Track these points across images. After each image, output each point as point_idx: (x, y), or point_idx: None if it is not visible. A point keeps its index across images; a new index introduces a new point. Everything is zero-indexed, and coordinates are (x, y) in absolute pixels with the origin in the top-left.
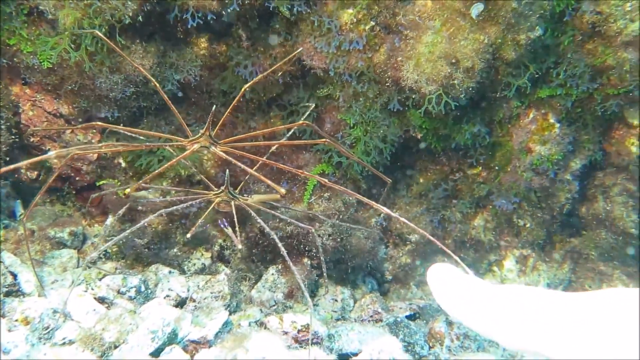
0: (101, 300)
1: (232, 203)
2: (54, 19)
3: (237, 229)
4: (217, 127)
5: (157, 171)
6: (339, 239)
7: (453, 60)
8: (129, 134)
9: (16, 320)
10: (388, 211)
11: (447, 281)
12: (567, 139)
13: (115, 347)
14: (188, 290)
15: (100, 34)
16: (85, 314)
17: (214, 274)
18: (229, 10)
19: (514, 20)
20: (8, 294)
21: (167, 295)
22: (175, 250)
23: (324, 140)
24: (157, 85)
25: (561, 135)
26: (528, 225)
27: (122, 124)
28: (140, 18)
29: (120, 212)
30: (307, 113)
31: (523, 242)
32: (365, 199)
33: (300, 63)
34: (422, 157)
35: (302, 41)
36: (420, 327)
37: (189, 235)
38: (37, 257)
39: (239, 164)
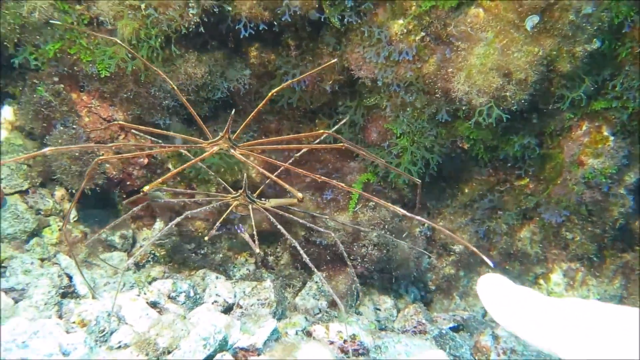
0: (153, 304)
1: (250, 207)
2: (112, 29)
3: (254, 233)
4: (239, 131)
5: (174, 171)
6: (384, 250)
7: (505, 72)
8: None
9: (73, 322)
10: (421, 219)
11: (499, 291)
12: (621, 152)
13: (169, 352)
14: (235, 297)
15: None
16: (138, 318)
17: (259, 281)
18: (281, 20)
19: (570, 33)
20: (64, 296)
21: (215, 301)
22: (220, 255)
23: (342, 145)
24: (175, 87)
25: (615, 149)
26: (577, 238)
27: (172, 131)
28: (194, 29)
29: (175, 220)
30: (340, 124)
31: (571, 256)
32: (399, 209)
33: (348, 72)
34: (467, 167)
35: (350, 51)
36: (465, 339)
37: (206, 238)
38: (89, 259)
39: (258, 167)
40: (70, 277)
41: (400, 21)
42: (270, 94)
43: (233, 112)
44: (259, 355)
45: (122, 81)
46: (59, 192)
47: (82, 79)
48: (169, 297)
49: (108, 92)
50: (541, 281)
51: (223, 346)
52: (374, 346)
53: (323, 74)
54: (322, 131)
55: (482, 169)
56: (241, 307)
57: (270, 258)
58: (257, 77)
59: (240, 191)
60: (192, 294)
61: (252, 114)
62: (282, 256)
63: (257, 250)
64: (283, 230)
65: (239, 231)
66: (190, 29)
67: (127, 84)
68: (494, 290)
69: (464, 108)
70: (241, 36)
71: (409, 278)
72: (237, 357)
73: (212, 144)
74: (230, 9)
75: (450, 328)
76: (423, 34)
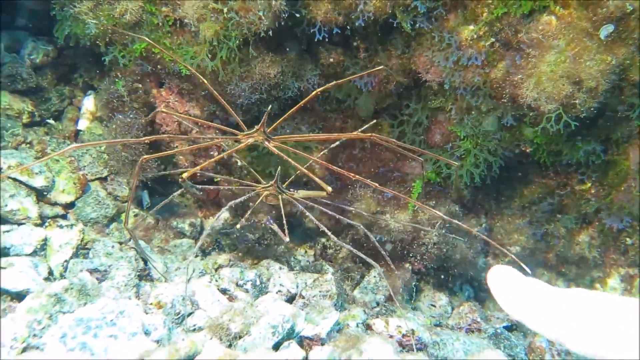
0: (223, 291)
1: (280, 197)
2: (195, 30)
3: (284, 222)
4: (274, 126)
5: (211, 160)
6: (444, 249)
7: (576, 80)
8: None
9: (151, 304)
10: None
11: (508, 282)
12: None
13: (240, 337)
14: (297, 287)
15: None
16: (210, 304)
17: (320, 272)
18: (355, 25)
19: None
20: (140, 278)
21: (279, 291)
22: (282, 247)
23: (370, 134)
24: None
25: None
26: (638, 244)
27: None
28: (271, 33)
29: (221, 211)
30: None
31: (630, 261)
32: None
33: (414, 75)
34: (528, 169)
35: (418, 54)
36: (518, 339)
37: (238, 226)
38: (161, 245)
39: (290, 160)
40: (145, 261)
41: (471, 27)
42: (315, 92)
43: (270, 107)
44: (322, 344)
45: (200, 80)
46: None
47: (164, 76)
48: (237, 284)
49: (187, 89)
50: (597, 285)
51: (290, 334)
52: (432, 342)
53: (389, 75)
54: (355, 133)
55: (542, 171)
56: (303, 298)
57: (330, 251)
58: (325, 77)
59: (272, 182)
60: (257, 282)
61: (292, 110)
62: (342, 249)
63: (287, 239)
64: (312, 218)
65: (267, 223)
66: (268, 32)
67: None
68: (503, 281)
69: (531, 114)
70: (315, 39)
71: (465, 276)
72: (303, 346)
73: (248, 135)
74: (305, 12)
75: (504, 327)
76: (493, 39)
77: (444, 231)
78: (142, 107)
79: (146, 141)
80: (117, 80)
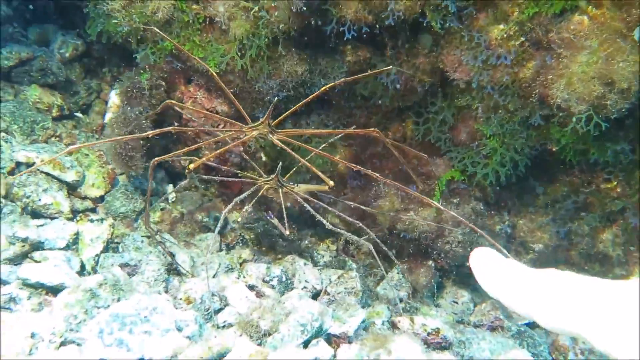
0: (250, 287)
1: (280, 190)
2: (226, 28)
3: (285, 215)
4: (279, 120)
5: (215, 152)
6: (468, 248)
7: (608, 81)
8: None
9: (180, 299)
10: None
11: (488, 263)
12: None
13: (269, 334)
14: (322, 283)
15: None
16: (239, 300)
17: (343, 269)
18: (385, 24)
19: None
20: (168, 272)
21: (304, 287)
22: (306, 242)
23: (373, 130)
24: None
25: None
26: None
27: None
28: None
29: (227, 208)
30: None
31: None
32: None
33: (441, 73)
34: (552, 167)
35: (447, 53)
36: (542, 337)
37: (239, 219)
38: (187, 239)
39: (293, 153)
40: (173, 256)
41: (501, 26)
42: (323, 89)
43: (275, 99)
44: (350, 342)
45: (228, 77)
46: (160, 174)
47: (193, 73)
48: (263, 280)
49: (215, 86)
50: None
51: (318, 332)
52: (458, 341)
53: (416, 73)
54: (372, 129)
55: (567, 169)
56: (328, 294)
57: (352, 246)
58: (351, 74)
59: (273, 175)
60: (283, 278)
61: (297, 105)
62: (363, 245)
63: (287, 233)
64: (312, 210)
65: (268, 217)
66: (298, 31)
67: (234, 80)
68: (482, 261)
69: (560, 114)
70: (345, 38)
71: None
72: (330, 343)
73: (252, 128)
74: (335, 12)
75: (526, 324)
76: (523, 39)
77: (468, 230)
78: (158, 104)
79: (149, 135)
80: (142, 72)
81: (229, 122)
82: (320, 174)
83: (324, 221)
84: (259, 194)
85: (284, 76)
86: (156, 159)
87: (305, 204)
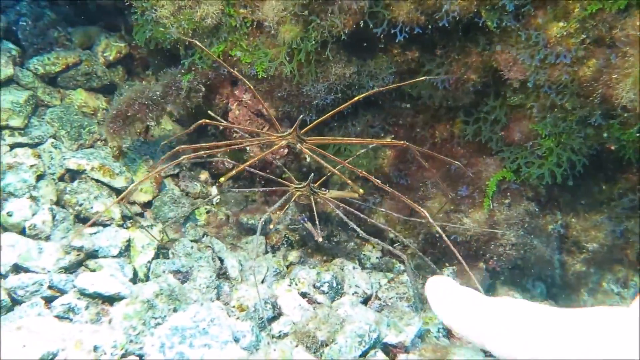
0: (303, 295)
1: (312, 197)
2: (274, 33)
3: (317, 222)
4: (308, 129)
5: (247, 163)
6: (522, 250)
7: None
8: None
9: (233, 307)
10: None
11: (442, 291)
12: None
13: (326, 345)
14: (371, 287)
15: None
16: (292, 309)
17: (395, 274)
18: (439, 25)
19: None
20: (219, 277)
21: (355, 292)
22: (352, 244)
23: (402, 142)
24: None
25: None
26: None
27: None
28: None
29: (262, 218)
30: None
31: None
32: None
33: (494, 73)
34: (607, 164)
35: (500, 51)
36: None
37: (271, 226)
38: (234, 242)
39: (321, 161)
40: (221, 260)
41: (561, 24)
42: (357, 98)
43: (301, 117)
44: (407, 352)
45: (276, 81)
46: (203, 176)
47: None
48: (314, 286)
49: (263, 90)
50: None
51: (375, 343)
52: None
53: (468, 73)
54: (400, 142)
55: (623, 167)
56: (379, 299)
57: (398, 247)
58: (399, 74)
59: (304, 183)
60: (334, 284)
61: (327, 115)
62: (409, 246)
63: (320, 239)
64: (344, 217)
65: (301, 221)
66: (348, 33)
67: (281, 83)
68: (438, 290)
69: (625, 115)
70: (397, 40)
71: (538, 274)
72: (387, 354)
73: (281, 137)
74: (387, 13)
75: None
76: (584, 36)
77: (522, 232)
78: (193, 107)
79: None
80: (186, 73)
81: (264, 131)
82: (349, 182)
83: (357, 229)
84: (291, 201)
85: (332, 79)
86: (182, 146)
87: (337, 211)
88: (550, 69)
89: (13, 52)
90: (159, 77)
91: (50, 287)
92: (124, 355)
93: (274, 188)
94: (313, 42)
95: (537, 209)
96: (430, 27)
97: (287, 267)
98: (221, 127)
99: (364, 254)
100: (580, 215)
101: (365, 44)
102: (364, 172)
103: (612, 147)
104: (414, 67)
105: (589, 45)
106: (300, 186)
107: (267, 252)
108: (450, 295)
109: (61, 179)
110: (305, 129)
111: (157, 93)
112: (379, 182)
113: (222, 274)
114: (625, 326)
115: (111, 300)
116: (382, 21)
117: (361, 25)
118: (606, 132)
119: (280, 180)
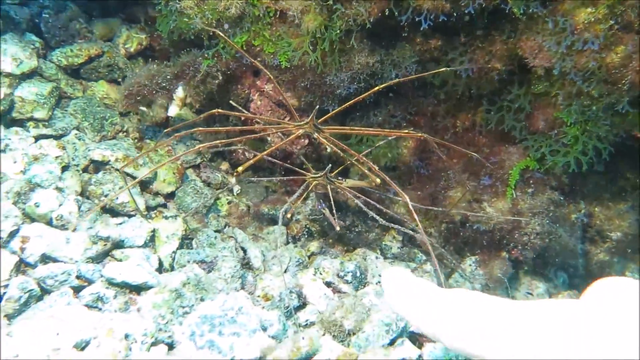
0: (327, 284)
1: (329, 187)
2: (298, 22)
3: (334, 211)
4: (325, 118)
5: (264, 152)
6: (547, 239)
7: None
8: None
9: (258, 296)
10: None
11: (397, 283)
12: None
13: (353, 334)
14: None
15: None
16: (318, 298)
17: (418, 263)
18: (465, 12)
19: None
20: (242, 267)
21: (378, 282)
22: (374, 234)
23: (420, 134)
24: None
25: None
26: None
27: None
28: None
29: (282, 209)
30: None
31: None
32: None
33: (520, 61)
34: (631, 151)
35: (525, 39)
36: None
37: (289, 215)
38: (255, 232)
39: (338, 150)
40: (244, 251)
41: (589, 10)
42: (377, 88)
43: (317, 107)
44: (434, 341)
45: (299, 71)
46: (224, 166)
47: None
48: (338, 276)
49: (285, 80)
50: None
51: (403, 332)
52: None
53: (492, 61)
54: (418, 134)
55: None
56: None
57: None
58: (422, 63)
59: (321, 172)
60: (357, 274)
61: (344, 105)
62: (430, 236)
63: (338, 228)
64: (362, 205)
65: (319, 207)
66: (373, 22)
67: (305, 73)
68: (393, 282)
69: None
70: (421, 28)
71: (560, 263)
72: (414, 342)
73: (298, 127)
74: (412, 1)
75: None
76: (612, 22)
77: (547, 221)
78: (204, 93)
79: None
80: (207, 58)
81: (282, 120)
82: (365, 170)
83: (377, 217)
84: (308, 190)
85: (356, 68)
86: (200, 128)
87: (356, 200)
88: (577, 55)
89: (36, 44)
90: (182, 55)
91: (78, 277)
92: (154, 344)
93: (290, 177)
94: (337, 31)
95: (561, 198)
96: (455, 14)
97: (309, 257)
98: (242, 118)
99: (385, 244)
100: (604, 204)
101: (388, 33)
102: (371, 165)
103: (639, 135)
104: (437, 55)
105: (617, 31)
106: (317, 175)
107: (288, 242)
108: (404, 288)
109: (85, 170)
110: (323, 118)
111: (168, 77)
112: (379, 175)
113: (245, 264)
114: (573, 319)
115: (139, 289)
116: (407, 9)
117: (386, 13)
118: (633, 118)
119: (298, 170)
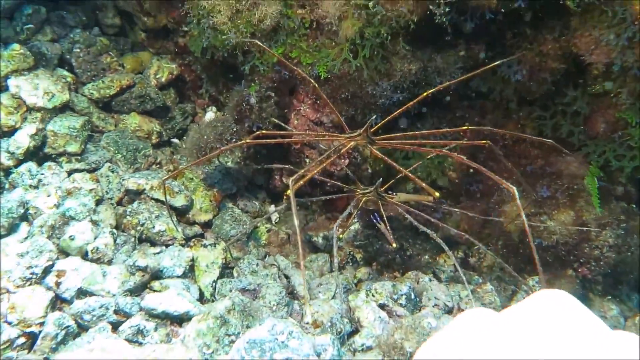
0: (381, 306)
1: (379, 202)
2: (335, 30)
3: (388, 227)
4: (376, 128)
5: (317, 169)
6: (621, 253)
7: None
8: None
9: (307, 323)
10: None
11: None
12: None
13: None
14: (452, 300)
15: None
16: (372, 321)
17: (476, 285)
18: (515, 6)
19: None
20: (287, 295)
21: (435, 304)
22: (427, 257)
23: (485, 142)
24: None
25: None
26: None
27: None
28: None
29: (334, 228)
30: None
31: None
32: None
33: (575, 59)
34: None
35: (580, 34)
36: None
37: (341, 235)
38: (297, 260)
39: (392, 163)
40: (288, 278)
41: None
42: (425, 94)
43: (374, 117)
44: None
45: (338, 82)
46: (260, 195)
47: (300, 82)
48: (391, 298)
49: (324, 93)
50: None
51: None
52: None
53: (543, 62)
54: (482, 141)
55: None
56: (462, 311)
57: (472, 259)
58: (465, 69)
59: (371, 188)
60: (412, 296)
61: (395, 113)
62: (485, 257)
63: (394, 245)
64: (424, 228)
65: (374, 220)
66: (417, 24)
67: (344, 84)
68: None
69: None
70: (466, 28)
71: (632, 282)
72: None
73: (350, 139)
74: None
75: None
76: None
77: (622, 231)
78: (269, 117)
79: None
80: (252, 84)
81: (329, 134)
82: (423, 184)
83: (430, 232)
84: (359, 207)
85: (398, 76)
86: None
87: (407, 215)
88: (639, 48)
89: (68, 79)
90: (227, 99)
91: (116, 312)
92: None
93: (339, 194)
94: (383, 34)
95: (633, 206)
96: (502, 10)
97: (356, 284)
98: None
99: (437, 268)
100: None
101: (430, 37)
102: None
103: None
104: (481, 60)
105: None
106: (366, 191)
107: (332, 270)
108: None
109: (119, 203)
110: (374, 128)
111: (234, 129)
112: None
113: (289, 292)
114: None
115: (180, 320)
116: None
117: (428, 13)
118: None
119: (345, 186)
